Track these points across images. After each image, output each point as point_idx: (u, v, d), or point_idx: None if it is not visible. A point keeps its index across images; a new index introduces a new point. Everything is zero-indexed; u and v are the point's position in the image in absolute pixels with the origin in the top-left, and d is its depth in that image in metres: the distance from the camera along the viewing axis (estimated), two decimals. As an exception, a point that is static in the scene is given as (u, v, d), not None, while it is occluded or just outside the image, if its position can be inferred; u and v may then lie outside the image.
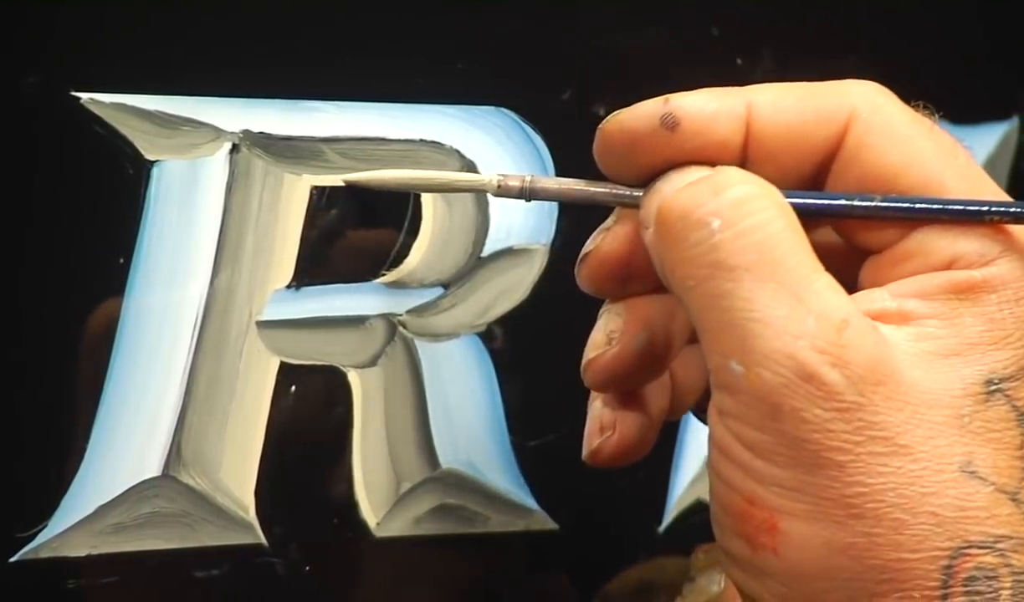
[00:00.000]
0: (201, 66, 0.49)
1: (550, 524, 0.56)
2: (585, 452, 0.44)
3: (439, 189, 0.47)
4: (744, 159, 0.39)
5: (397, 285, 0.53)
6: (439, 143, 0.53)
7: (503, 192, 0.42)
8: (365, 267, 0.52)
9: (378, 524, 0.53)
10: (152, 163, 0.49)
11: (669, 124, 0.39)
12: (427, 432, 0.54)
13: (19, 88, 0.47)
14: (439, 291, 0.53)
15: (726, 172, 0.37)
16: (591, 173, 0.55)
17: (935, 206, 0.37)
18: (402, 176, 0.44)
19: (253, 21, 0.50)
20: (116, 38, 0.48)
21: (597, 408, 0.44)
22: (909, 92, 0.60)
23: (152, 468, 0.50)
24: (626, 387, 0.43)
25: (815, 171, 0.39)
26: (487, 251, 0.54)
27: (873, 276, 0.39)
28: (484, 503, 0.55)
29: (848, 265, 0.39)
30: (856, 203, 0.38)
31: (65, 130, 0.47)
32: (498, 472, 0.55)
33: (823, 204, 0.38)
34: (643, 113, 0.40)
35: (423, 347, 0.53)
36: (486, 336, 0.54)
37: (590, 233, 0.55)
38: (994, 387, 0.35)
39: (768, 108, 0.39)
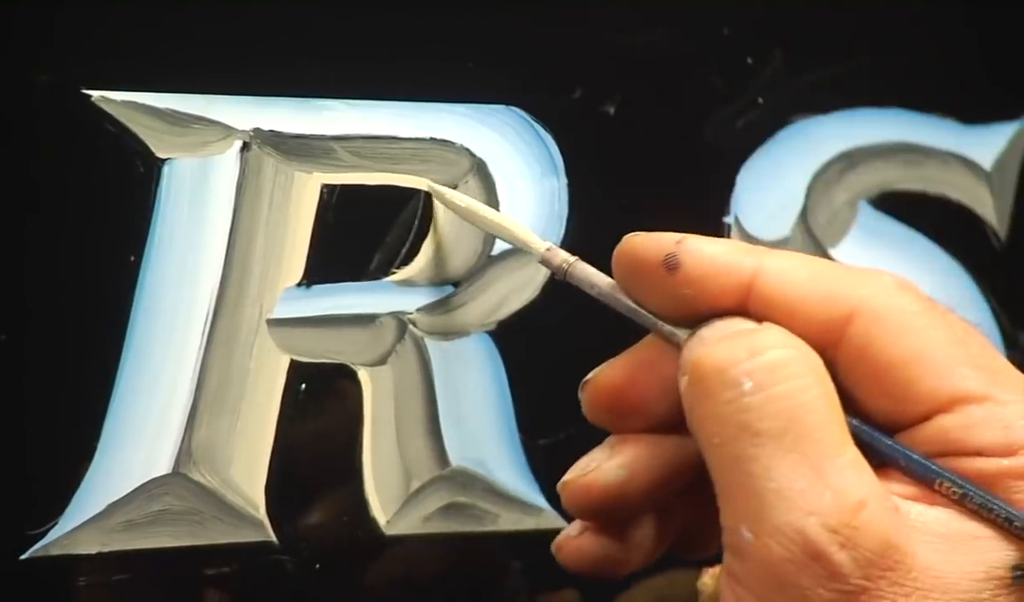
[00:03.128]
0: (212, 64, 0.49)
1: (560, 523, 0.55)
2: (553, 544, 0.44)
3: (496, 232, 0.49)
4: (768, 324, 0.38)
5: (407, 283, 0.53)
6: (449, 142, 0.53)
7: (545, 261, 0.44)
8: (375, 265, 0.52)
9: (388, 522, 0.53)
10: (163, 161, 0.49)
11: (671, 265, 0.39)
12: (437, 430, 0.54)
13: (30, 86, 0.47)
14: (449, 289, 0.53)
15: (768, 332, 0.37)
16: (601, 172, 0.55)
17: (895, 450, 0.37)
18: (472, 205, 0.48)
19: (264, 19, 0.50)
20: (127, 36, 0.48)
21: (600, 448, 0.43)
22: (920, 91, 0.61)
23: (162, 466, 0.50)
24: (597, 519, 0.43)
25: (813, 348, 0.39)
26: (497, 250, 0.54)
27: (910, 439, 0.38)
28: (494, 502, 0.55)
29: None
30: (865, 440, 0.37)
31: (76, 128, 0.47)
32: (508, 470, 0.55)
33: None
34: (651, 246, 0.40)
35: (433, 345, 0.53)
36: (496, 334, 0.54)
37: (601, 234, 0.55)
38: (1021, 572, 0.35)
39: (776, 278, 0.39)
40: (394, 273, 0.52)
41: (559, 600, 0.58)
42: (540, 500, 0.55)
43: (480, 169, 0.53)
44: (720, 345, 0.36)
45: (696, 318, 0.39)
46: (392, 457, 0.53)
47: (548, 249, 0.44)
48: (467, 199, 0.50)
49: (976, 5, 0.61)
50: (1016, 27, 0.62)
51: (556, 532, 0.55)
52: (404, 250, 0.52)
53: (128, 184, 0.48)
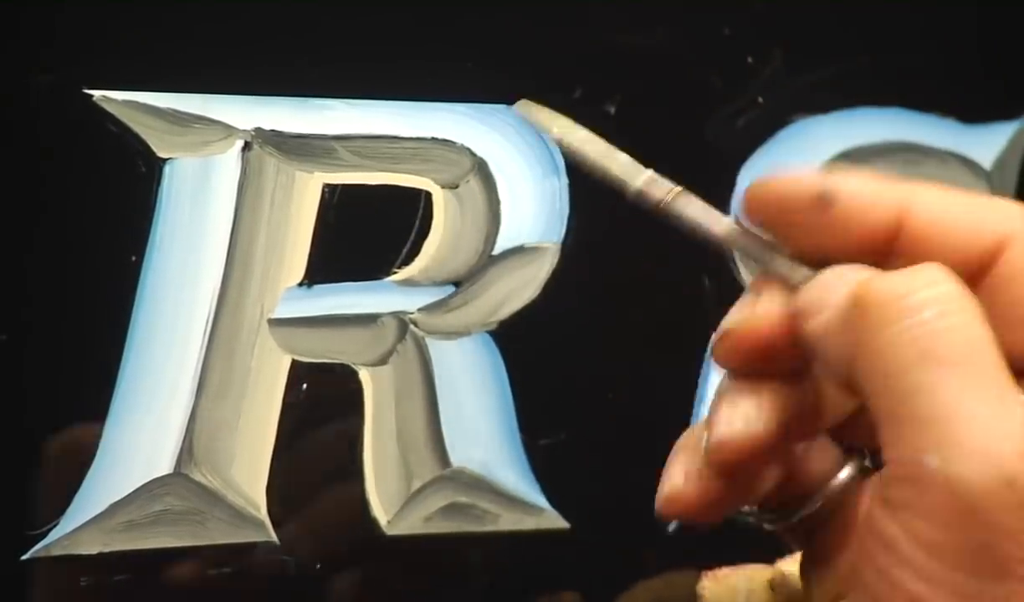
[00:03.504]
0: (213, 64, 0.49)
1: (561, 523, 0.55)
2: (707, 442, 0.40)
3: (590, 169, 0.43)
4: (891, 254, 0.38)
5: (408, 283, 0.53)
6: (451, 141, 0.53)
7: (641, 200, 0.40)
8: (376, 265, 0.52)
9: (389, 522, 0.53)
10: (164, 161, 0.49)
11: (827, 200, 0.38)
12: (438, 430, 0.54)
13: (31, 86, 0.47)
14: (450, 289, 0.53)
15: (933, 267, 0.36)
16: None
17: None
18: (573, 131, 0.43)
19: (265, 19, 0.50)
20: (128, 36, 0.48)
21: (739, 398, 0.40)
22: (920, 90, 0.61)
23: (164, 466, 0.50)
24: (742, 477, 0.40)
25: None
26: (498, 249, 0.54)
27: None
28: (495, 502, 0.55)
29: None
30: None
31: (77, 128, 0.47)
32: (509, 470, 0.55)
33: None
34: (800, 185, 0.39)
35: (434, 345, 0.53)
36: (497, 334, 0.54)
37: (600, 232, 0.55)
38: None
39: (928, 209, 0.38)
40: (395, 273, 0.52)
41: (559, 600, 0.58)
42: (541, 500, 0.55)
43: (481, 169, 0.53)
44: (893, 277, 0.36)
45: (841, 259, 0.39)
46: (393, 457, 0.53)
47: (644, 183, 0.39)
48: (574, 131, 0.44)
49: (975, 5, 0.61)
50: (1015, 27, 0.62)
51: (557, 532, 0.55)
52: (405, 250, 0.52)
53: (129, 184, 0.48)
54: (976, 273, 0.38)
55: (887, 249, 0.38)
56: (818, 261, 0.38)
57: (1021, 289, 0.38)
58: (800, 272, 0.39)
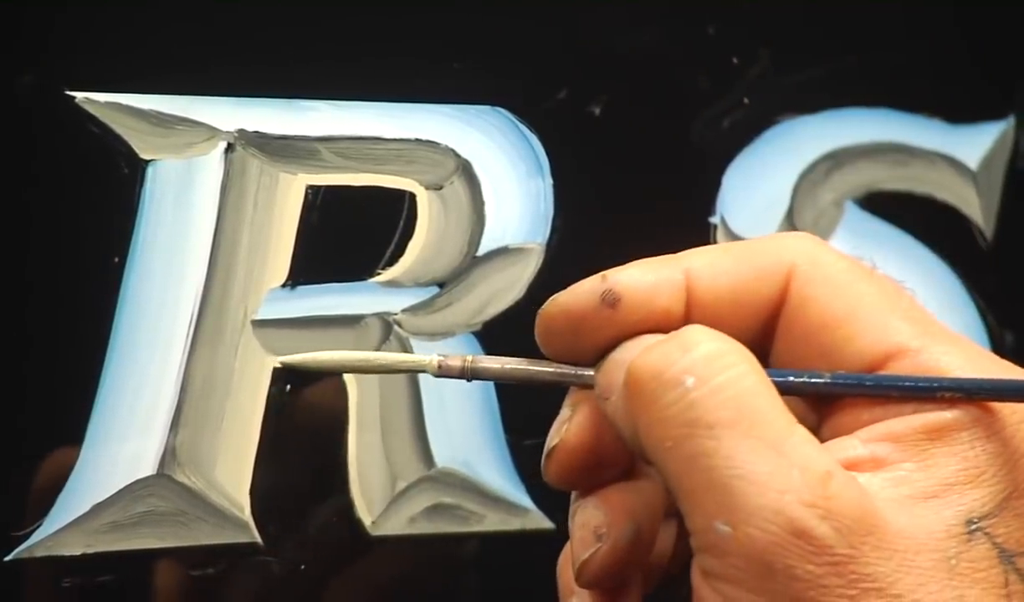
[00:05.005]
0: (196, 65, 0.49)
1: (546, 523, 0.55)
2: (574, 566, 0.42)
3: (378, 371, 0.45)
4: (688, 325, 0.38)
5: (392, 284, 0.53)
6: (435, 142, 0.53)
7: (444, 373, 0.41)
8: (360, 266, 0.52)
9: (373, 523, 0.53)
10: (147, 162, 0.49)
11: (610, 301, 0.39)
12: (423, 431, 0.54)
13: (14, 88, 0.47)
14: (434, 290, 0.53)
15: (692, 330, 0.37)
16: (587, 172, 0.55)
17: (885, 384, 0.37)
18: (339, 358, 0.43)
19: (248, 20, 0.50)
20: (110, 37, 0.48)
21: (589, 514, 0.42)
22: (906, 90, 0.61)
23: (147, 467, 0.50)
24: (616, 583, 0.42)
25: (761, 329, 0.39)
26: (482, 250, 0.54)
27: (837, 424, 0.38)
28: (480, 502, 0.55)
29: (808, 413, 0.39)
30: (806, 380, 0.38)
31: (60, 129, 0.47)
32: (494, 471, 0.55)
33: (775, 381, 0.37)
34: (583, 293, 0.40)
35: (418, 346, 0.53)
36: (481, 335, 0.54)
37: (585, 233, 0.55)
38: (974, 526, 0.35)
39: (706, 272, 0.39)
40: (379, 274, 0.52)
41: (545, 599, 0.58)
42: (526, 500, 0.55)
43: (465, 170, 0.53)
44: (652, 351, 0.36)
45: None
46: (378, 458, 0.53)
47: (440, 362, 0.42)
48: (332, 355, 0.44)
49: (962, 5, 0.61)
50: (1002, 27, 0.62)
51: (542, 532, 0.55)
52: (389, 251, 0.52)
53: (112, 185, 0.48)
54: (771, 314, 0.39)
55: (683, 323, 0.38)
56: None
57: (808, 318, 0.38)
58: (592, 370, 0.40)
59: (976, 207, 0.62)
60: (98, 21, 0.48)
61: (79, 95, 0.48)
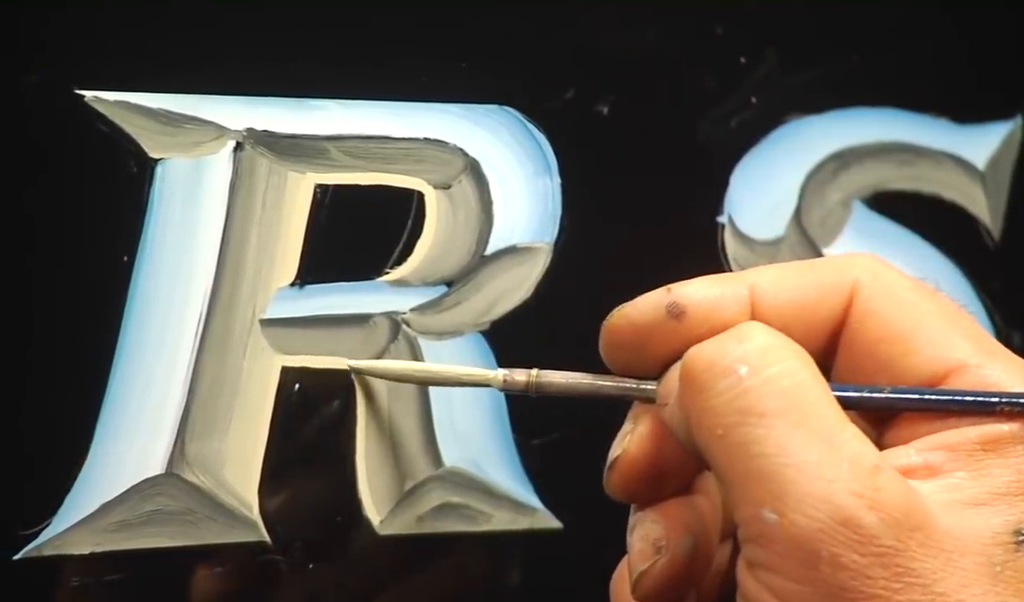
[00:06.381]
0: (205, 64, 0.49)
1: (554, 523, 0.56)
2: (631, 578, 0.42)
3: (443, 383, 0.49)
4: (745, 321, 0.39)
5: (401, 283, 0.53)
6: (443, 142, 0.53)
7: (508, 387, 0.43)
8: (369, 265, 0.52)
9: (381, 522, 0.53)
10: (156, 161, 0.49)
11: (675, 313, 0.39)
12: (431, 430, 0.54)
13: (22, 86, 0.47)
14: (443, 289, 0.53)
15: (749, 325, 0.37)
16: (595, 171, 0.55)
17: (946, 397, 0.37)
18: (406, 368, 0.48)
19: (257, 19, 0.50)
20: (119, 36, 0.48)
21: (648, 527, 0.42)
22: (913, 90, 0.61)
23: (156, 466, 0.50)
24: (672, 598, 0.42)
25: (824, 345, 0.40)
26: (491, 249, 0.54)
27: (894, 438, 0.38)
28: (488, 502, 0.55)
29: (868, 429, 0.39)
30: (867, 394, 0.38)
31: (68, 128, 0.47)
32: (502, 471, 0.55)
33: (837, 395, 0.38)
34: (648, 305, 0.40)
35: (427, 346, 0.53)
36: (489, 335, 0.54)
37: (593, 232, 0.55)
38: (1023, 537, 0.35)
39: (770, 287, 0.40)
40: (387, 273, 0.52)
41: (553, 599, 0.58)
42: (534, 500, 0.55)
43: (473, 169, 0.53)
44: (707, 344, 0.37)
45: None
46: (386, 457, 0.53)
47: (505, 377, 0.44)
48: (402, 364, 0.51)
49: (969, 5, 0.61)
50: (1009, 27, 0.62)
51: (550, 532, 0.55)
52: (397, 250, 0.52)
53: (121, 184, 0.48)
54: (834, 331, 0.39)
55: None
56: None
57: (871, 333, 0.39)
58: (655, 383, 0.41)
59: (983, 207, 0.62)
60: (107, 19, 0.48)
61: (87, 93, 0.48)
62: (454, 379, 0.47)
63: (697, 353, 0.37)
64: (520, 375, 0.43)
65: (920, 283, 0.40)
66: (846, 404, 0.37)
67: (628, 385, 0.41)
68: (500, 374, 0.43)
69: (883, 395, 0.38)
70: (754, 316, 0.39)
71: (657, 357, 0.40)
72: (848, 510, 0.34)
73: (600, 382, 0.42)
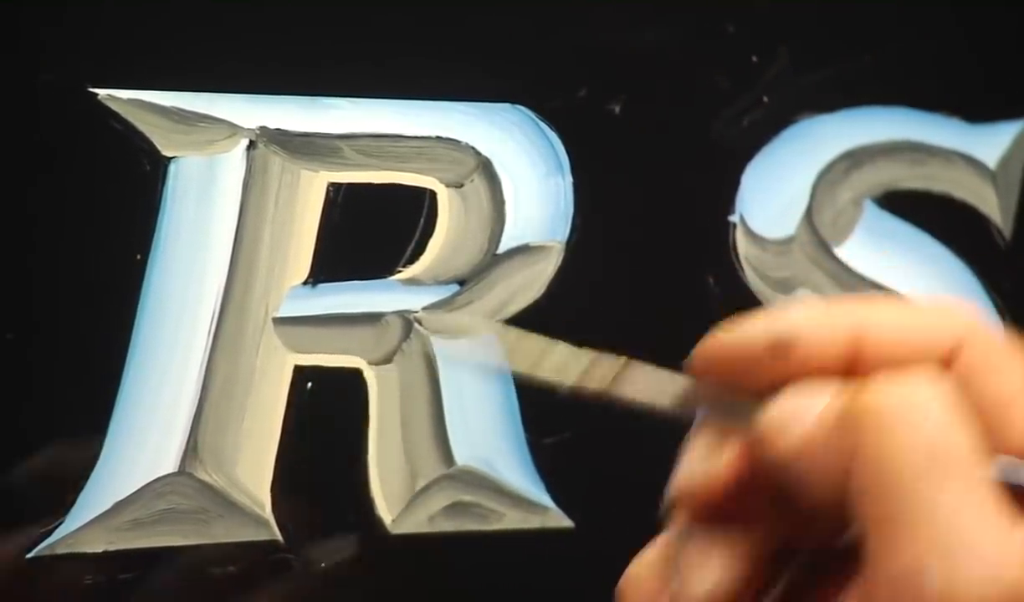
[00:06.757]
0: (218, 62, 0.49)
1: (565, 522, 0.55)
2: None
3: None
4: (848, 376, 0.38)
5: (413, 282, 0.53)
6: (455, 140, 0.53)
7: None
8: (381, 264, 0.52)
9: (393, 521, 0.53)
10: (169, 159, 0.49)
11: (782, 344, 0.38)
12: (442, 429, 0.54)
13: (36, 85, 0.47)
14: (455, 288, 0.53)
15: (927, 374, 0.36)
16: (607, 170, 0.55)
17: None
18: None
19: (270, 17, 0.50)
20: (133, 34, 0.48)
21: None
22: (924, 90, 0.61)
23: (168, 464, 0.50)
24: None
25: None
26: (503, 248, 0.54)
27: None
28: (499, 500, 0.55)
29: None
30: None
31: (82, 126, 0.48)
32: (513, 469, 0.55)
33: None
34: (752, 332, 0.38)
35: (439, 344, 0.53)
36: (502, 333, 0.54)
37: (605, 231, 0.55)
38: None
39: (882, 329, 0.38)
40: (400, 272, 0.52)
41: (565, 598, 0.58)
42: (545, 499, 0.55)
43: (486, 167, 0.53)
44: (889, 384, 0.36)
45: None
46: (397, 456, 0.53)
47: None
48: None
49: (980, 5, 0.61)
50: (1020, 27, 0.62)
51: (561, 531, 0.55)
52: (410, 249, 0.52)
53: (134, 182, 0.48)
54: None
55: (845, 373, 0.38)
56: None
57: (978, 389, 0.38)
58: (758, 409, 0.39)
59: (994, 206, 0.62)
60: (120, 18, 0.48)
61: (101, 92, 0.48)
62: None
63: (879, 391, 0.36)
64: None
65: (1020, 344, 0.39)
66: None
67: (737, 406, 0.39)
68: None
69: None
70: (857, 353, 0.38)
71: (754, 384, 0.39)
72: (1020, 586, 0.32)
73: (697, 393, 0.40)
